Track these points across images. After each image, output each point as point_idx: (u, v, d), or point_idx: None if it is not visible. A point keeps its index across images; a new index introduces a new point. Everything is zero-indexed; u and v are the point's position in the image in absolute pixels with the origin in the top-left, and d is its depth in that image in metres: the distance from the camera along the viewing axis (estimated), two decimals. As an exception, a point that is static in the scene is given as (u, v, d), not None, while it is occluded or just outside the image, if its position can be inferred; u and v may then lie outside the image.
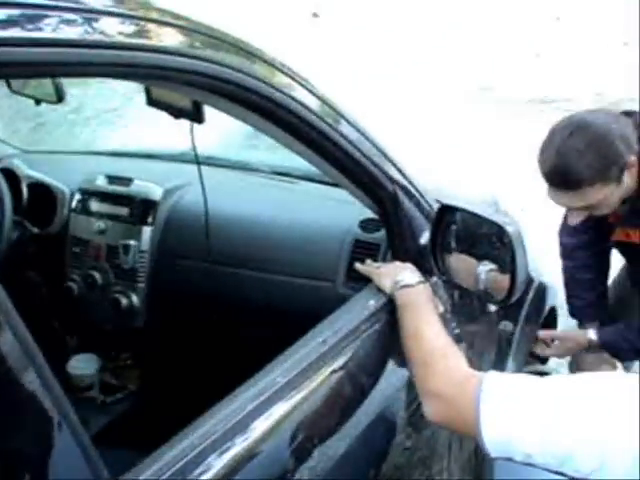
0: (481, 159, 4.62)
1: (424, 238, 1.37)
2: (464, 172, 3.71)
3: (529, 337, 1.97)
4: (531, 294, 1.97)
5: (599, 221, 1.72)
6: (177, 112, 1.09)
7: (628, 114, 1.57)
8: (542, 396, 0.98)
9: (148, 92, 1.07)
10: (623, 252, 1.86)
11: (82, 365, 1.90)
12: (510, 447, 0.98)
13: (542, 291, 2.02)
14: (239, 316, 1.63)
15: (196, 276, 1.70)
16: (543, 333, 1.95)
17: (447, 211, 1.32)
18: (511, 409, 0.99)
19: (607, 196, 1.52)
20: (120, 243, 1.78)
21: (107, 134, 5.30)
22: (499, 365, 1.76)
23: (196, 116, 1.08)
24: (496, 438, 0.99)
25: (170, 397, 1.78)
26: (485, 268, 1.30)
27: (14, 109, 4.61)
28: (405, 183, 1.35)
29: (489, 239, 1.26)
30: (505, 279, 1.24)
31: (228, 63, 0.93)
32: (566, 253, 1.95)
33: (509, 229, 1.18)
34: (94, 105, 5.76)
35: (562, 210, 1.73)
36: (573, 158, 1.48)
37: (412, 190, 1.37)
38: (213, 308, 1.67)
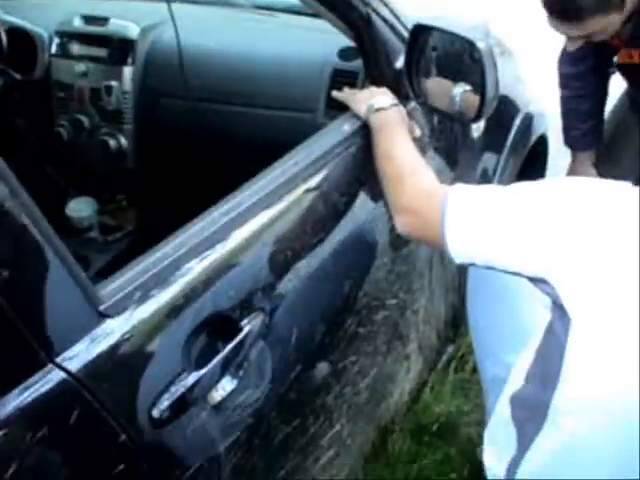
0: None
1: (400, 62, 1.36)
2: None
3: (514, 166, 2.00)
4: (517, 123, 1.98)
5: (600, 47, 1.69)
6: None
7: None
8: (502, 203, 1.02)
9: None
10: (625, 75, 1.83)
11: (80, 207, 1.96)
12: (472, 253, 1.04)
13: (529, 120, 2.02)
14: (224, 151, 1.66)
15: (180, 114, 1.71)
16: None
17: (422, 31, 1.31)
18: (473, 217, 1.04)
19: (607, 25, 1.48)
20: (102, 85, 1.78)
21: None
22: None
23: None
24: (459, 245, 1.05)
25: (165, 233, 1.85)
26: (460, 89, 1.30)
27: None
28: (380, 5, 1.32)
29: (462, 58, 1.26)
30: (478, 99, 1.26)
31: None
32: (564, 82, 1.93)
33: (479, 45, 1.18)
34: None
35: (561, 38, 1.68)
36: None
37: (387, 13, 1.34)
38: (198, 145, 1.69)
